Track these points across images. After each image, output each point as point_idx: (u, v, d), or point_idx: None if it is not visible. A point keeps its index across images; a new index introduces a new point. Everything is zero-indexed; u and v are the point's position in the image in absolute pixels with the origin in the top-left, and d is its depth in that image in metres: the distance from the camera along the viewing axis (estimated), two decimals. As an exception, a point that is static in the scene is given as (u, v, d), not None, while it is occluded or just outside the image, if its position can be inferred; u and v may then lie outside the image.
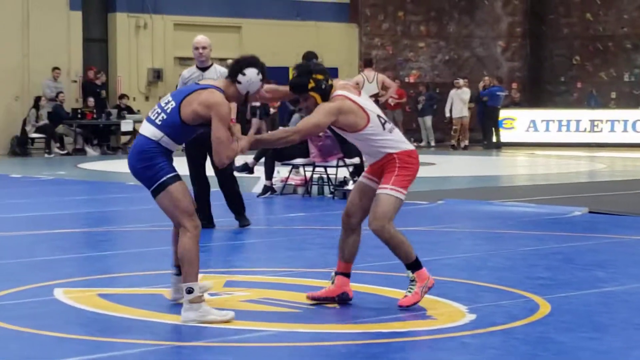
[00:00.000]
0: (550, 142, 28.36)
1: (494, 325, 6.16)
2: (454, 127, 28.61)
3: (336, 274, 6.88)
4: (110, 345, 5.69)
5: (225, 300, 6.92)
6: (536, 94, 32.61)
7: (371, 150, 6.84)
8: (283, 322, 6.26)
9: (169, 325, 6.21)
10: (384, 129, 6.75)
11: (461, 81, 28.69)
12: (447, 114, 28.56)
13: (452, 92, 28.57)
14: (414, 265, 6.80)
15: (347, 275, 6.88)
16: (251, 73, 6.52)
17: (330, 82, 6.76)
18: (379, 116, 6.77)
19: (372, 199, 6.79)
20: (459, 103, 28.39)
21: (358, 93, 6.87)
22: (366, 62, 20.22)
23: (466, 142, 28.50)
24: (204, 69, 11.00)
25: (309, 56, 18.79)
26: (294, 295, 7.09)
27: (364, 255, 7.53)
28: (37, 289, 7.30)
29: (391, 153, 6.77)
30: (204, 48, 11.02)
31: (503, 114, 28.79)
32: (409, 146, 6.90)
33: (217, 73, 10.67)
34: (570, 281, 7.72)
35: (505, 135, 28.68)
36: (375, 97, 20.10)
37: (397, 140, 6.81)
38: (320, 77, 6.69)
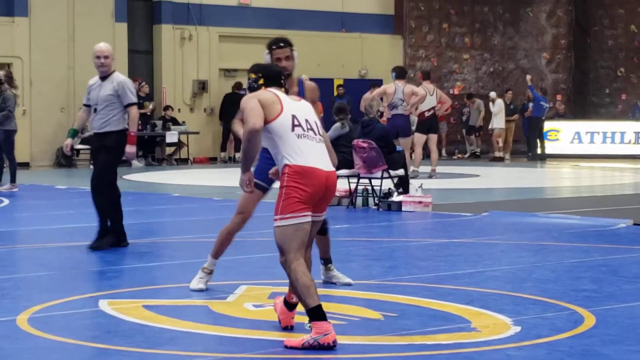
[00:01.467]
0: (594, 154, 28.18)
1: (538, 338, 6.14)
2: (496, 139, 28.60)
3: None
4: (154, 356, 5.72)
5: (270, 312, 6.94)
6: (581, 106, 32.43)
7: (275, 156, 6.23)
8: (327, 334, 6.25)
9: (214, 336, 6.24)
10: (292, 130, 6.13)
11: (493, 94, 28.61)
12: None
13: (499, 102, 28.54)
14: (313, 313, 5.93)
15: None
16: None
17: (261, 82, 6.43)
18: (294, 116, 6.19)
19: None
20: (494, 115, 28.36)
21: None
22: (425, 75, 20.30)
23: (500, 154, 28.35)
24: (103, 77, 10.45)
25: (397, 70, 18.96)
26: (339, 307, 7.10)
27: (409, 267, 7.55)
28: (82, 300, 7.36)
29: (286, 164, 6.10)
30: (105, 57, 10.45)
31: (547, 125, 28.65)
32: (309, 162, 6.08)
33: (114, 82, 10.29)
34: (615, 293, 7.67)
35: (549, 147, 28.54)
36: (433, 110, 20.19)
37: (299, 152, 6.09)
38: (252, 75, 6.49)
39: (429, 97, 19.76)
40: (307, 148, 6.12)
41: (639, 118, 29.60)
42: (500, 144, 28.33)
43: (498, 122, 28.15)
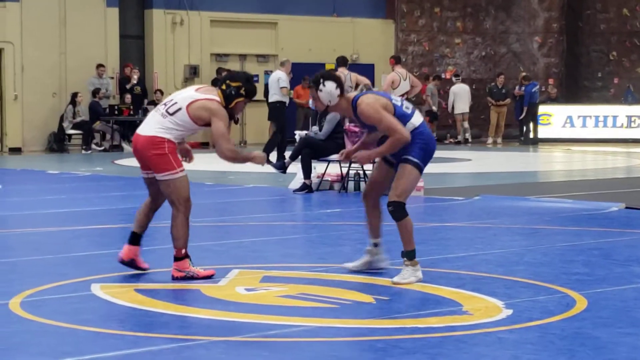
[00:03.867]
0: (587, 138, 28.21)
1: (530, 321, 6.15)
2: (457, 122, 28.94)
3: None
4: (147, 340, 5.72)
5: (262, 296, 6.95)
6: (573, 90, 32.43)
7: None
8: (320, 318, 6.27)
9: (206, 320, 6.24)
10: (165, 105, 7.66)
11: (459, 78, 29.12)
12: (450, 110, 28.81)
13: (455, 87, 28.79)
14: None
15: None
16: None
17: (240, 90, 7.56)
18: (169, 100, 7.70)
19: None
20: (460, 99, 28.64)
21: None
22: (396, 60, 20.16)
23: (466, 136, 28.81)
24: None
25: (340, 60, 18.99)
26: (331, 291, 7.11)
27: (401, 251, 7.53)
28: (74, 285, 7.36)
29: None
30: None
31: (540, 109, 28.67)
32: (166, 135, 7.57)
33: None
34: (607, 277, 7.69)
35: (542, 131, 28.57)
36: (407, 95, 20.16)
37: (167, 127, 7.58)
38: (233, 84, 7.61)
39: (402, 82, 19.68)
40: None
41: (631, 102, 29.62)
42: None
43: (466, 106, 28.57)
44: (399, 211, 7.42)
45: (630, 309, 6.51)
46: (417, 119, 7.55)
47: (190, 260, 7.61)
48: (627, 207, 12.18)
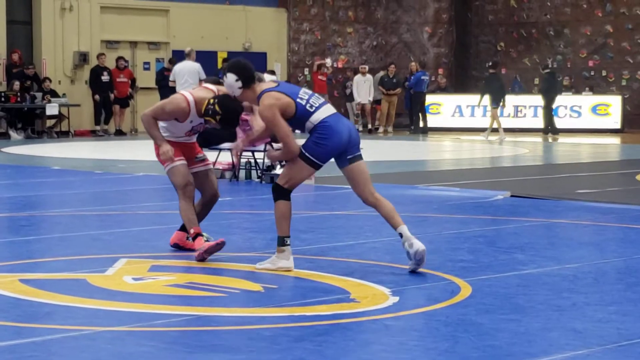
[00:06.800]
0: (475, 127, 28.62)
1: (416, 308, 6.24)
2: (355, 112, 29.11)
3: None
4: (31, 330, 5.65)
5: (150, 285, 6.91)
6: (462, 80, 32.89)
7: None
8: (208, 307, 6.26)
9: (91, 310, 6.18)
10: None
11: (366, 67, 29.32)
12: (357, 100, 29.04)
13: (357, 77, 28.95)
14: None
15: None
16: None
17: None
18: None
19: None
20: (362, 89, 28.84)
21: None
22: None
23: (382, 128, 29.00)
24: None
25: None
26: (219, 280, 7.10)
27: (292, 240, 7.56)
28: (-43, 274, 7.21)
29: None
30: None
31: (429, 99, 29.01)
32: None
33: None
34: (491, 264, 7.83)
35: (431, 120, 28.90)
36: None
37: (161, 127, 8.23)
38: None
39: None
40: None
41: (518, 92, 30.14)
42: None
43: (369, 96, 28.89)
44: (275, 192, 7.54)
45: (513, 296, 6.64)
46: (319, 115, 7.43)
47: (205, 237, 8.06)
48: (512, 196, 12.42)
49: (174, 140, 8.20)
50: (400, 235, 7.51)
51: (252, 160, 14.56)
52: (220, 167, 14.82)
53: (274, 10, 30.96)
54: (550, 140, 25.92)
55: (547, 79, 27.52)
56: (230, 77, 7.49)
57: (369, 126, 29.39)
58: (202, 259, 7.80)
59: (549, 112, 27.28)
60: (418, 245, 7.39)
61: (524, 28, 31.98)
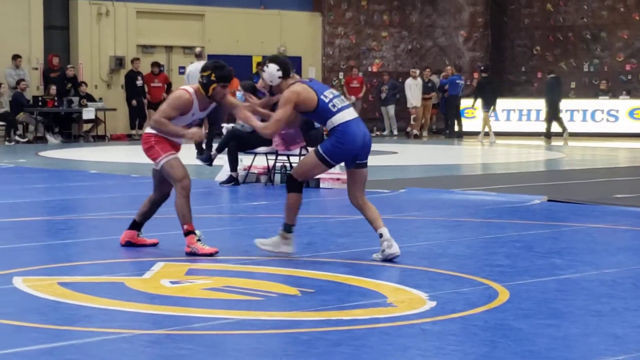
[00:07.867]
0: (511, 132, 28.51)
1: (453, 313, 6.21)
2: (412, 116, 28.86)
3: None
4: (69, 333, 5.67)
5: (187, 289, 6.93)
6: (497, 84, 32.74)
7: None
8: (245, 310, 6.27)
9: (130, 313, 6.20)
10: None
11: (417, 71, 28.92)
12: (411, 103, 28.77)
13: (409, 81, 28.77)
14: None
15: None
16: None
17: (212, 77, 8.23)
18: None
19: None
20: (414, 93, 28.63)
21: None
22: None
23: (416, 132, 28.73)
24: None
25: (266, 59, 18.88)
26: (256, 283, 7.11)
27: (327, 244, 7.59)
28: (-4, 277, 7.27)
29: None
30: None
31: (464, 103, 28.92)
32: (152, 131, 8.39)
33: None
34: (528, 269, 7.79)
35: (466, 125, 28.81)
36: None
37: None
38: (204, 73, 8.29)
39: None
40: None
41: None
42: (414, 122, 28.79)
43: (418, 100, 28.51)
44: (289, 184, 8.11)
45: (551, 301, 6.60)
46: (339, 118, 8.00)
47: (197, 235, 8.27)
48: (549, 200, 12.35)
49: (167, 137, 8.40)
50: (381, 235, 8.05)
51: (288, 165, 14.57)
52: (256, 171, 14.84)
53: (309, 14, 30.99)
54: (562, 143, 25.84)
55: (551, 83, 27.41)
56: (272, 67, 8.09)
57: (415, 132, 28.94)
58: (188, 253, 8.21)
59: (551, 117, 27.17)
60: (395, 249, 7.98)
61: (561, 32, 31.82)
